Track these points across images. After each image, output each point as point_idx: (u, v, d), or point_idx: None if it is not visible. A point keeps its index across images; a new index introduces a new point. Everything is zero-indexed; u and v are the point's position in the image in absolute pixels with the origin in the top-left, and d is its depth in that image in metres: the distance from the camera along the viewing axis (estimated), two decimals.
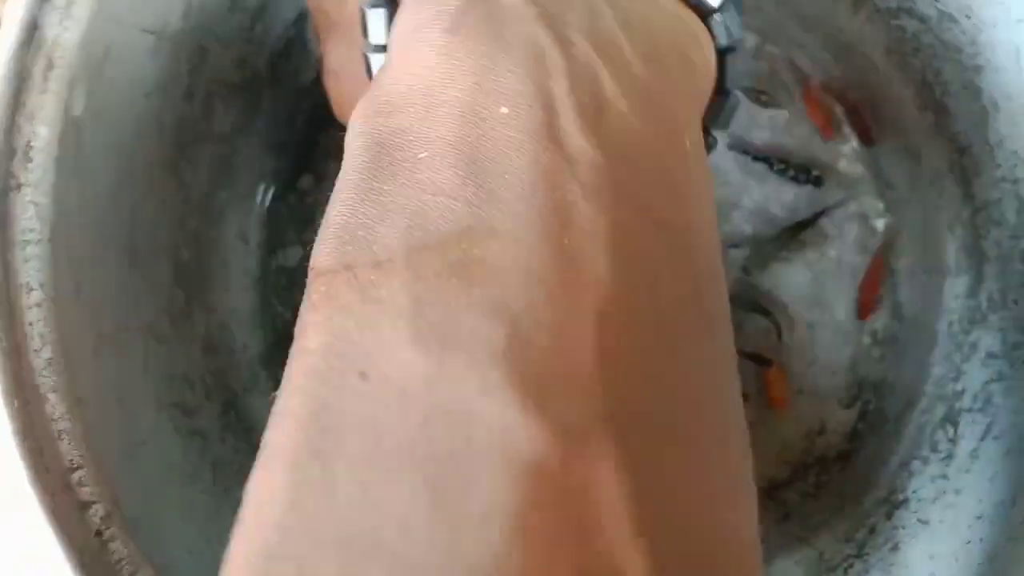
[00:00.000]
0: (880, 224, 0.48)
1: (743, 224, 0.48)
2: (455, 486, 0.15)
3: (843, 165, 0.48)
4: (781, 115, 0.47)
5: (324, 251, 0.18)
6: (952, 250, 0.42)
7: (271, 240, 0.48)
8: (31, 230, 0.27)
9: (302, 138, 0.48)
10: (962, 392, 0.40)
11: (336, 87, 0.32)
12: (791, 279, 0.48)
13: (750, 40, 0.47)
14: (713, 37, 0.24)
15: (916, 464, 0.41)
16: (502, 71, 0.18)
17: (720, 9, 0.24)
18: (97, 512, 0.27)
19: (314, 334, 0.17)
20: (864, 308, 0.47)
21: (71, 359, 0.28)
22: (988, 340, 0.39)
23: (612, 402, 0.16)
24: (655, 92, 0.20)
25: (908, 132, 0.43)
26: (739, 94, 0.25)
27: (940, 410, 0.41)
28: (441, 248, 0.17)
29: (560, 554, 0.15)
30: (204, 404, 0.39)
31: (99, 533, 0.27)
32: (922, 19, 0.38)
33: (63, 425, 0.27)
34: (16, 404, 0.26)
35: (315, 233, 0.49)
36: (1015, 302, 0.37)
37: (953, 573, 0.35)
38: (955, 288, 0.42)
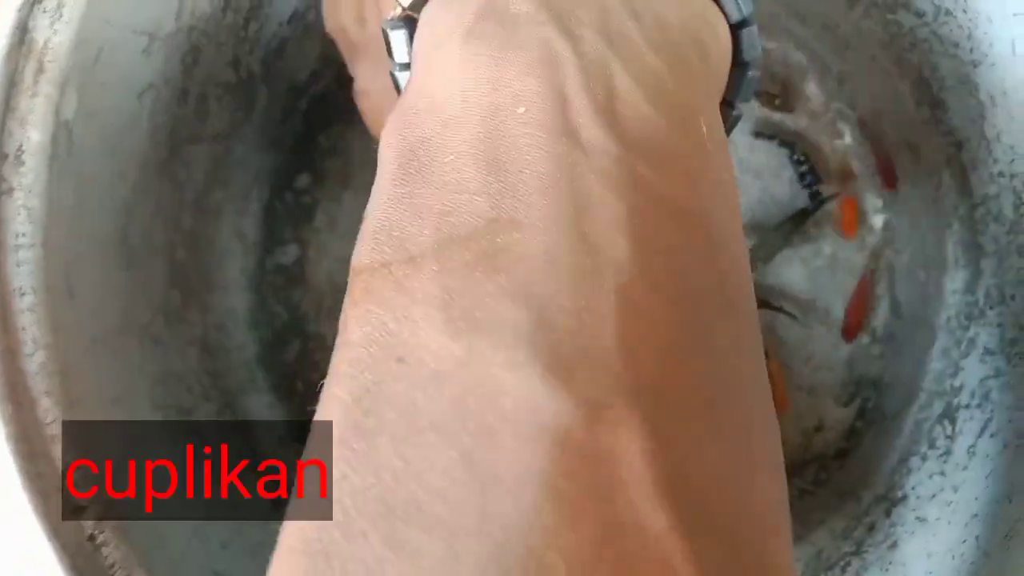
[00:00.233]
0: (879, 220, 0.48)
1: (747, 210, 0.47)
2: (487, 456, 0.16)
3: (838, 161, 0.48)
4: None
5: (362, 252, 0.19)
6: (950, 245, 0.42)
7: (268, 239, 0.48)
8: (23, 234, 0.27)
9: (299, 137, 0.48)
10: (960, 388, 0.40)
11: (367, 104, 0.34)
12: (789, 275, 0.48)
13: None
14: (725, 14, 0.24)
15: (914, 461, 0.41)
16: (517, 74, 0.20)
17: None
18: (90, 516, 0.27)
19: (355, 327, 0.18)
20: (850, 331, 0.47)
21: (64, 362, 0.28)
22: (986, 336, 0.39)
23: (633, 376, 0.17)
24: (668, 81, 0.21)
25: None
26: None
27: (938, 406, 0.41)
28: (468, 241, 0.18)
29: (586, 513, 0.16)
30: (201, 404, 0.39)
31: (92, 537, 0.27)
32: (919, 14, 0.38)
33: (56, 429, 0.27)
34: (9, 408, 0.26)
35: (312, 231, 0.49)
36: (1013, 298, 0.37)
37: (950, 571, 0.35)
38: (953, 284, 0.42)
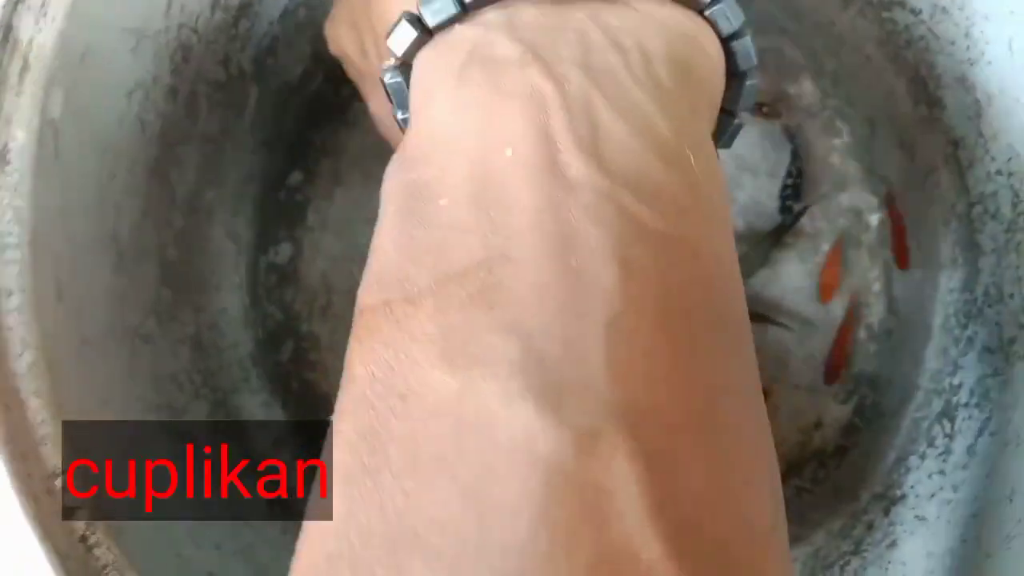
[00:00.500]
0: (874, 219, 0.48)
1: (736, 219, 0.47)
2: (484, 487, 0.17)
3: (834, 160, 0.48)
4: None
5: (366, 292, 0.21)
6: (947, 244, 0.41)
7: (261, 238, 0.47)
8: (9, 234, 0.27)
9: (291, 135, 0.48)
10: (959, 387, 0.39)
11: (383, 129, 0.36)
12: (784, 274, 0.47)
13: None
14: (715, 28, 0.24)
15: (913, 460, 0.41)
16: (504, 118, 0.21)
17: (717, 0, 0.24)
18: (81, 517, 0.27)
19: (359, 363, 0.19)
20: (831, 374, 0.47)
21: (53, 363, 0.28)
22: (984, 335, 0.38)
23: (622, 401, 0.18)
24: (654, 113, 0.21)
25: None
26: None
27: (937, 405, 0.41)
28: (462, 278, 0.19)
29: (580, 540, 0.16)
30: (193, 403, 0.39)
31: (84, 539, 0.27)
32: (914, 11, 0.38)
33: (46, 430, 0.27)
34: None
35: (305, 230, 0.48)
36: (1011, 296, 0.37)
37: (950, 570, 0.35)
38: (950, 282, 0.41)
